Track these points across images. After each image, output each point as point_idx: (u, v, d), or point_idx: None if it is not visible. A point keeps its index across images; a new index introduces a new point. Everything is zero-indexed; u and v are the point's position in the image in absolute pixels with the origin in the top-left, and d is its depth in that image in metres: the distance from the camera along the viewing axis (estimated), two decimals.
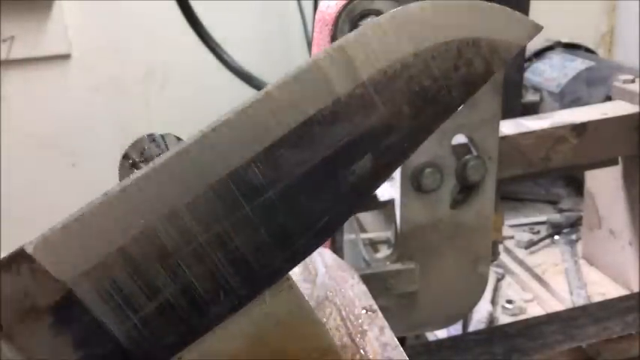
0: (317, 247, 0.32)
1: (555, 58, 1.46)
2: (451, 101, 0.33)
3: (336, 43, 0.32)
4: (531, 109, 1.34)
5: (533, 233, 1.26)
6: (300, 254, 0.32)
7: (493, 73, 0.33)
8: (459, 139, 0.72)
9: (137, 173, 0.30)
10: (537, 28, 0.36)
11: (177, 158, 0.30)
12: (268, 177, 0.30)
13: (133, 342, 0.29)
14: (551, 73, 1.41)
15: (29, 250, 0.29)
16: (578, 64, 1.38)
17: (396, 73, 0.32)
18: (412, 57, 0.32)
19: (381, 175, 0.32)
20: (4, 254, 0.30)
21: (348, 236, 0.80)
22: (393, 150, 0.32)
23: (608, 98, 1.03)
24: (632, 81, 0.95)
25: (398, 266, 0.73)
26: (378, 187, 0.33)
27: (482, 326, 1.00)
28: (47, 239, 0.29)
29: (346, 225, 0.78)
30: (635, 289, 0.99)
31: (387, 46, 0.32)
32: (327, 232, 0.32)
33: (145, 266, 0.29)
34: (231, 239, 0.30)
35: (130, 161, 0.40)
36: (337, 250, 0.75)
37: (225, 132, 0.30)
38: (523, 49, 1.33)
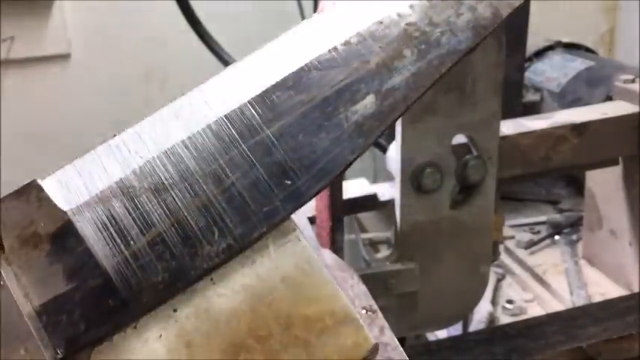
0: (318, 190, 0.31)
1: (556, 58, 1.46)
2: (457, 44, 0.32)
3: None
4: (532, 109, 1.34)
5: (534, 233, 1.26)
6: (299, 196, 0.30)
7: (502, 16, 0.33)
8: (459, 139, 0.72)
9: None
10: None
11: (179, 103, 0.32)
12: (265, 117, 0.31)
13: (121, 277, 0.29)
14: (551, 72, 1.41)
15: (39, 181, 0.31)
16: (578, 63, 1.38)
17: (392, 21, 0.32)
18: (409, 8, 0.32)
19: (386, 116, 0.31)
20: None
21: (348, 236, 0.80)
22: (397, 91, 0.31)
23: (609, 98, 1.02)
24: (633, 81, 0.95)
25: (398, 266, 0.73)
26: (382, 130, 0.31)
27: (482, 326, 0.99)
28: (57, 174, 0.31)
29: (346, 225, 0.78)
30: (636, 290, 0.99)
31: (384, 3, 0.32)
32: (329, 174, 0.30)
33: (142, 199, 0.30)
34: (227, 175, 0.30)
35: None
36: (337, 250, 0.75)
37: (225, 80, 0.31)
38: (523, 49, 1.33)
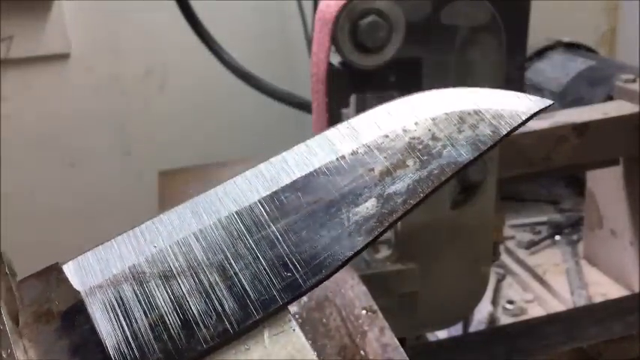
0: (316, 282, 0.32)
1: (556, 58, 1.45)
2: (458, 156, 0.35)
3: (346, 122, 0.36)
4: None
5: (534, 233, 1.25)
6: (297, 287, 0.32)
7: (501, 134, 0.35)
8: None
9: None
10: (544, 103, 0.37)
11: (196, 200, 0.35)
12: (273, 214, 0.34)
13: (120, 355, 0.31)
14: (552, 72, 1.41)
15: (61, 264, 0.34)
16: (579, 63, 1.38)
17: (397, 135, 0.35)
18: (413, 124, 0.36)
19: (385, 218, 0.34)
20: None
21: None
22: (398, 196, 0.34)
23: (610, 98, 1.02)
24: (634, 80, 0.95)
25: (398, 267, 0.73)
26: (381, 231, 0.33)
27: (483, 327, 0.99)
28: (78, 259, 0.34)
29: None
30: (636, 290, 0.99)
31: (390, 118, 0.36)
32: (326, 269, 0.33)
33: (150, 284, 0.32)
34: (230, 265, 0.33)
35: None
36: None
37: (240, 182, 0.35)
38: (523, 49, 1.33)
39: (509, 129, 0.36)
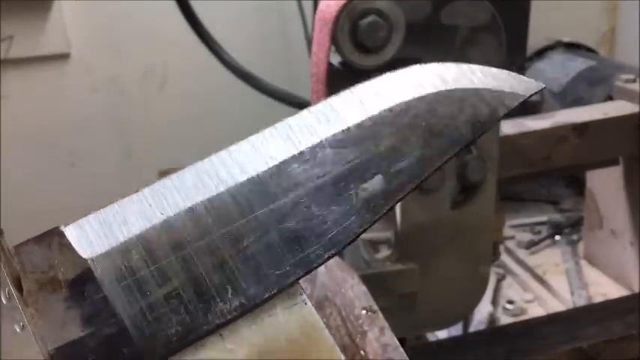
0: (327, 258, 0.33)
1: (556, 58, 1.45)
2: (460, 137, 0.36)
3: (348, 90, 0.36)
4: (532, 109, 1.34)
5: (534, 233, 1.25)
6: (310, 262, 0.33)
7: (499, 115, 0.36)
8: None
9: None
10: (539, 85, 0.39)
11: (202, 166, 0.34)
12: (281, 187, 0.33)
13: (137, 327, 0.30)
14: (552, 72, 1.41)
15: (62, 228, 0.32)
16: (579, 63, 1.38)
17: (401, 111, 0.35)
18: (416, 100, 0.36)
19: (393, 195, 0.34)
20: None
21: None
22: (403, 174, 0.35)
23: (610, 98, 1.02)
24: (634, 80, 0.95)
25: (398, 266, 0.73)
26: (391, 206, 0.34)
27: (483, 327, 0.99)
28: (80, 222, 0.33)
29: None
30: (636, 290, 0.99)
31: (394, 91, 0.36)
32: (337, 245, 0.33)
33: (160, 254, 0.32)
34: (243, 238, 0.32)
35: None
36: None
37: (245, 148, 0.35)
38: (523, 49, 1.33)
39: (505, 110, 0.36)
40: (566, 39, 1.52)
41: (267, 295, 0.32)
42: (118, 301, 0.30)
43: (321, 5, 0.68)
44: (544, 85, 0.38)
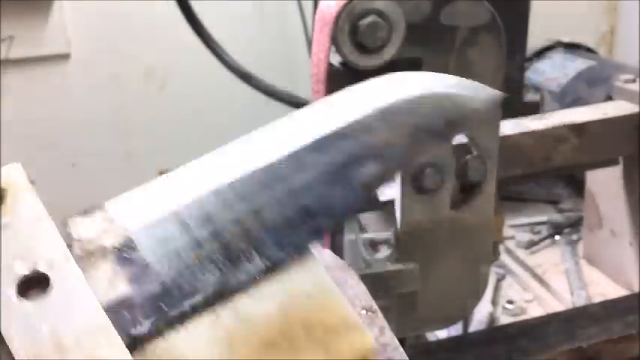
0: (335, 227, 0.43)
1: (556, 58, 1.45)
2: (440, 133, 0.44)
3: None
4: (532, 109, 1.34)
5: (534, 233, 1.26)
6: (319, 232, 0.40)
7: (469, 117, 0.45)
8: (459, 139, 0.72)
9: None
10: (497, 95, 0.47)
11: (223, 150, 0.41)
12: (294, 171, 0.40)
13: (177, 285, 0.35)
14: (551, 72, 1.41)
15: (105, 203, 0.38)
16: (578, 63, 1.38)
17: (392, 109, 0.43)
18: (403, 101, 0.43)
19: (385, 178, 0.43)
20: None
21: (348, 236, 0.80)
22: (395, 161, 0.43)
23: (609, 98, 1.02)
24: (633, 80, 0.95)
25: (398, 266, 0.73)
26: (382, 185, 0.42)
27: (482, 327, 0.99)
28: (120, 199, 0.39)
29: (346, 225, 0.78)
30: (636, 290, 0.99)
31: (385, 92, 0.44)
32: (342, 217, 0.43)
33: (192, 225, 0.37)
34: (264, 212, 0.38)
35: None
36: (337, 250, 0.75)
37: (263, 138, 0.43)
38: (523, 49, 1.33)
39: (474, 112, 0.45)
40: (565, 39, 1.52)
41: (287, 259, 0.38)
42: (158, 264, 0.35)
43: (321, 5, 0.68)
44: (502, 93, 0.47)
